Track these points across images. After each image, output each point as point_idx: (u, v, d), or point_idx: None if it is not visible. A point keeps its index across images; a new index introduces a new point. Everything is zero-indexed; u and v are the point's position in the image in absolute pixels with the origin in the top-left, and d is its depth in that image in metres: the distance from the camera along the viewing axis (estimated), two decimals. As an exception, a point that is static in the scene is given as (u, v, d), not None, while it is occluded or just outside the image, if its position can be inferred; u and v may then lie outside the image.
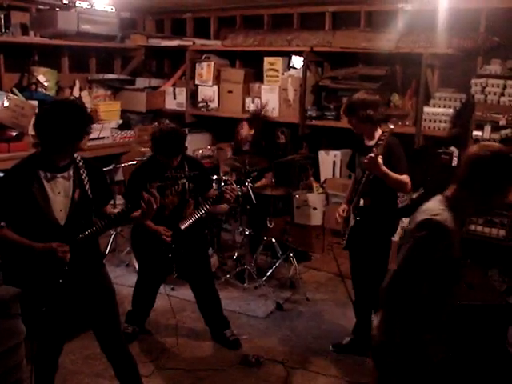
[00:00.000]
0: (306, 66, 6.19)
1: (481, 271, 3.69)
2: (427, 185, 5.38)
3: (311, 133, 6.39)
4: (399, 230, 4.77)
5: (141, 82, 7.28)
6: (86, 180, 3.10)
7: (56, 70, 6.46)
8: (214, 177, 5.45)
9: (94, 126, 6.21)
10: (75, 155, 3.10)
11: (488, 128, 5.16)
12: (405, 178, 3.80)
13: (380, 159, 3.63)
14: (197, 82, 7.06)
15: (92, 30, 6.22)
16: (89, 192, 3.09)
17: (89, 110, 6.24)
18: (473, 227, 5.33)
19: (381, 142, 3.66)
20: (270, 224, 5.51)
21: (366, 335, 4.25)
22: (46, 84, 6.16)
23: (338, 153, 6.28)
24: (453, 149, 5.45)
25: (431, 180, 5.39)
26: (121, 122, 6.86)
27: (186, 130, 5.01)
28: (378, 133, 3.92)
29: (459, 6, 5.41)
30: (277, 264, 5.51)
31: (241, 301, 5.14)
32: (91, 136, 6.12)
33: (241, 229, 5.67)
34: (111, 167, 5.97)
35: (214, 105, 6.95)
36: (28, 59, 6.23)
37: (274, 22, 6.83)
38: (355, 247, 4.13)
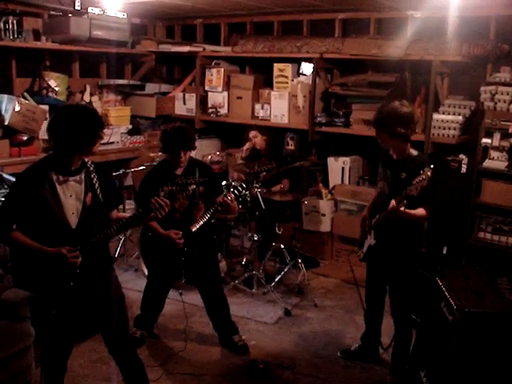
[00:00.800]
0: (315, 73, 6.19)
1: (490, 279, 3.67)
2: (436, 192, 5.37)
3: (320, 139, 6.40)
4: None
5: (151, 88, 7.30)
6: (96, 184, 3.13)
7: (67, 75, 6.49)
8: (223, 182, 5.47)
9: (105, 130, 6.25)
10: (86, 159, 3.13)
11: (497, 135, 5.16)
12: (422, 213, 3.66)
13: (403, 208, 3.53)
14: (206, 88, 7.07)
15: (104, 35, 6.24)
16: (100, 196, 3.12)
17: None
18: (482, 235, 5.33)
19: (415, 183, 3.38)
20: (279, 230, 5.51)
21: (374, 343, 4.27)
22: (56, 89, 6.19)
23: (347, 159, 6.29)
24: (462, 156, 5.45)
25: (440, 187, 5.39)
26: (131, 127, 6.89)
27: (196, 135, 5.04)
28: (408, 149, 3.74)
29: (469, 14, 5.42)
30: (285, 270, 5.51)
31: (249, 306, 5.14)
32: (101, 141, 6.15)
33: (249, 234, 5.68)
34: (121, 172, 6.00)
35: (223, 111, 6.96)
36: (39, 64, 6.27)
37: (284, 29, 6.85)
38: (374, 262, 4.03)
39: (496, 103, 5.11)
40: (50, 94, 6.17)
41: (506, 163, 5.14)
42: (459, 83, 5.73)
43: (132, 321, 4.53)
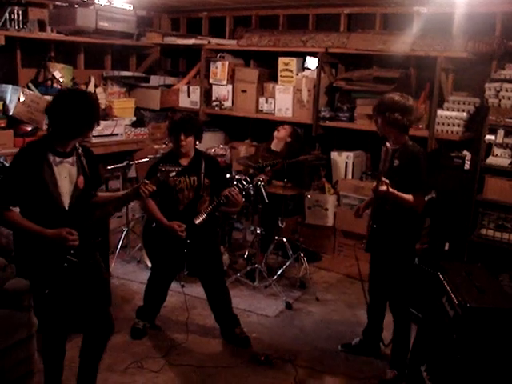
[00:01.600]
0: (320, 67, 6.19)
1: (491, 275, 3.68)
2: (439, 188, 5.38)
3: (324, 134, 6.40)
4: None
5: (155, 80, 7.30)
6: (86, 167, 3.23)
7: (72, 66, 6.49)
8: (227, 175, 5.47)
9: (108, 122, 6.28)
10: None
11: (501, 132, 5.16)
12: (409, 197, 3.66)
13: (390, 188, 3.58)
14: (211, 81, 7.07)
15: (110, 27, 6.24)
16: (89, 177, 3.23)
17: (103, 106, 6.32)
18: (484, 231, 5.33)
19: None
20: (282, 224, 5.53)
21: (376, 337, 4.29)
22: (61, 80, 6.19)
23: (350, 154, 6.30)
24: (465, 153, 5.46)
25: (443, 184, 5.39)
26: (135, 119, 6.89)
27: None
28: (405, 140, 3.77)
29: (475, 10, 5.42)
30: (287, 264, 5.53)
31: (251, 299, 5.16)
32: (105, 132, 6.19)
33: (252, 228, 5.70)
34: (124, 164, 6.01)
35: (227, 104, 6.97)
36: (44, 55, 6.27)
37: (290, 23, 6.84)
38: (375, 251, 4.05)
39: (500, 100, 5.11)
40: (55, 84, 6.16)
41: (510, 160, 5.14)
42: (464, 80, 5.73)
43: (134, 312, 4.56)
